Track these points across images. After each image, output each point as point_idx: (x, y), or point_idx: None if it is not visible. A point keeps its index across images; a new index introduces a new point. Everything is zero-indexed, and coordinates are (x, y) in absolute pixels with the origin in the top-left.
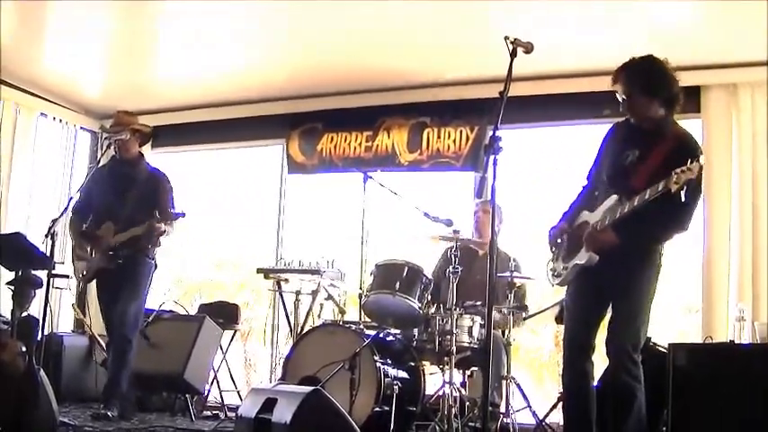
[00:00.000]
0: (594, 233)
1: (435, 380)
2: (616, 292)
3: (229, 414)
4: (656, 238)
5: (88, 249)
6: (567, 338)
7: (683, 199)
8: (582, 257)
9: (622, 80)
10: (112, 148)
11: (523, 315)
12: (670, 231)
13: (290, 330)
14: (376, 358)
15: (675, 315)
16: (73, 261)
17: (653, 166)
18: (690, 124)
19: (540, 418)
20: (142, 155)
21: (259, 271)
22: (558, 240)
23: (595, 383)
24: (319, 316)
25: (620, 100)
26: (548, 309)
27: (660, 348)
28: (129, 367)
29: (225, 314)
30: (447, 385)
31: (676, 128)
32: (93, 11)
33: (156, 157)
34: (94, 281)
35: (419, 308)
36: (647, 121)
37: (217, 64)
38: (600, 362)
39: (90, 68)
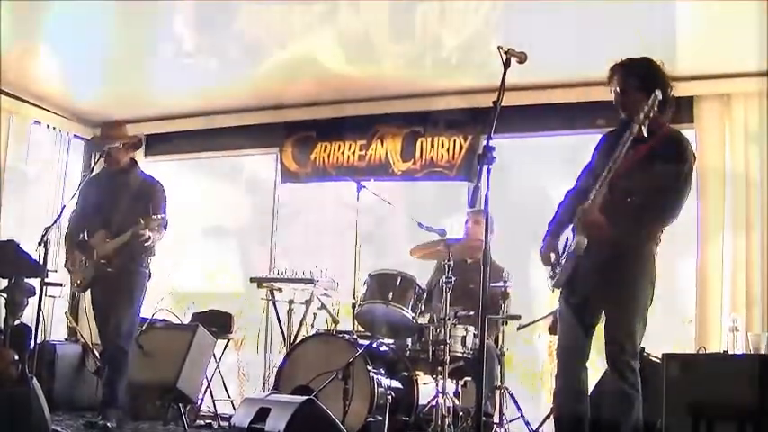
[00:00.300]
0: (582, 214)
1: (429, 390)
2: (611, 299)
3: (222, 423)
4: (645, 220)
5: (83, 259)
6: (560, 345)
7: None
8: (572, 245)
9: (618, 75)
10: (103, 159)
11: (517, 325)
12: (657, 212)
13: (284, 340)
14: (369, 368)
15: (669, 325)
16: (68, 270)
17: (641, 154)
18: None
19: (534, 428)
20: (135, 161)
21: (252, 280)
22: (551, 255)
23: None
24: (312, 325)
25: (613, 96)
26: (541, 318)
27: (654, 358)
28: (125, 377)
29: (218, 323)
30: (440, 395)
31: (668, 128)
32: (87, 18)
33: (149, 165)
34: (89, 290)
35: (412, 317)
36: (639, 120)
37: (211, 72)
38: (593, 370)
39: (84, 76)
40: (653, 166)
